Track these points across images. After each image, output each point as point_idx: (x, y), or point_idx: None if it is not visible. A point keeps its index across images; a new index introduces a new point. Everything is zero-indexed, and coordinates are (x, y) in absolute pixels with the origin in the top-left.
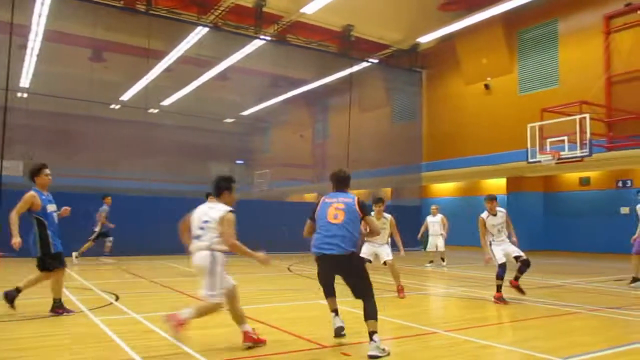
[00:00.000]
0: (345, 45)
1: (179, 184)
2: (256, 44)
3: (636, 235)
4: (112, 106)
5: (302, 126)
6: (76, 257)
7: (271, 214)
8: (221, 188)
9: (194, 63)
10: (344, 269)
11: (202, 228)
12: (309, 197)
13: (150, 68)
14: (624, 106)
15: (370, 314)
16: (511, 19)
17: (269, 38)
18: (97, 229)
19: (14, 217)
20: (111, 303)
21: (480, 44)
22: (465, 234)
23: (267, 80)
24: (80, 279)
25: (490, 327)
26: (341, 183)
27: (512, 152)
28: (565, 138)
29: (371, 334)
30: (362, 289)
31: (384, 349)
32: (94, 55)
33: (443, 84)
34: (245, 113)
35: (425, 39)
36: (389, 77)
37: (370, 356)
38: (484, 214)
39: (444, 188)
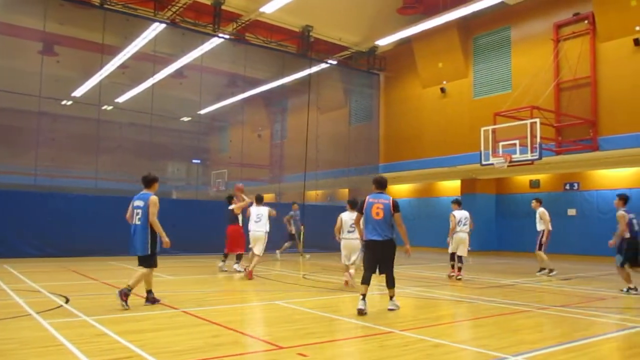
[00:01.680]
0: (304, 45)
1: (133, 183)
2: (214, 42)
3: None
4: (64, 102)
5: (260, 126)
6: None
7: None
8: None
9: (150, 60)
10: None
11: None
12: (267, 197)
13: (104, 64)
14: (571, 112)
15: (391, 284)
16: (466, 24)
17: (227, 36)
18: None
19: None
20: (61, 306)
21: (436, 48)
22: (421, 234)
23: (225, 79)
24: (29, 281)
25: (444, 326)
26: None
27: (466, 154)
28: (517, 142)
29: (391, 296)
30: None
31: (397, 305)
32: (45, 49)
33: (400, 87)
34: (203, 112)
35: (384, 41)
36: (347, 78)
37: (390, 309)
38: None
39: (401, 189)
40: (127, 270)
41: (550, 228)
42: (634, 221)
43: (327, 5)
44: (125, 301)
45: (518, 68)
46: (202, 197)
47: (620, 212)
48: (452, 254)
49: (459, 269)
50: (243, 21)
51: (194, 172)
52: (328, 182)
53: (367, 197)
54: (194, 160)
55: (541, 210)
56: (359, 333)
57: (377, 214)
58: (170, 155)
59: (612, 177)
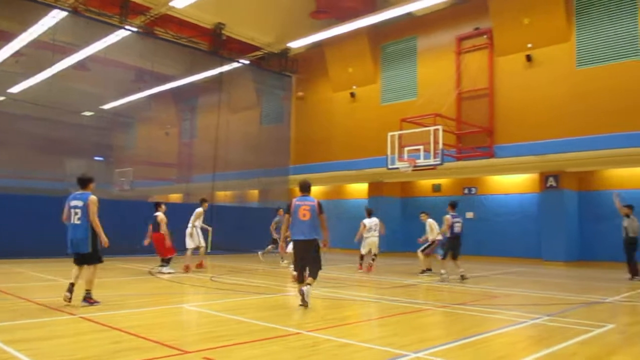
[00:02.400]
0: (216, 43)
1: (29, 180)
2: (121, 34)
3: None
4: None
5: (168, 124)
6: None
7: (133, 214)
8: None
9: (49, 49)
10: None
11: None
12: (174, 197)
13: None
14: (471, 121)
15: (313, 274)
16: (376, 32)
17: (135, 29)
18: None
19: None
20: None
21: (347, 53)
22: (330, 236)
23: (132, 74)
24: None
25: (351, 326)
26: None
27: (374, 158)
28: (421, 147)
29: (307, 284)
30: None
31: (309, 292)
32: None
33: (312, 89)
34: (107, 107)
35: (296, 44)
36: (259, 79)
37: (300, 293)
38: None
39: (311, 191)
40: (22, 275)
41: (438, 237)
42: (457, 224)
43: (240, 3)
44: (93, 303)
45: (423, 77)
46: (105, 196)
47: (447, 216)
48: (362, 256)
49: (370, 265)
50: (152, 14)
51: (96, 170)
52: (238, 183)
53: (294, 200)
54: (96, 157)
55: (430, 221)
56: (267, 335)
57: (304, 215)
58: (70, 151)
59: (506, 182)
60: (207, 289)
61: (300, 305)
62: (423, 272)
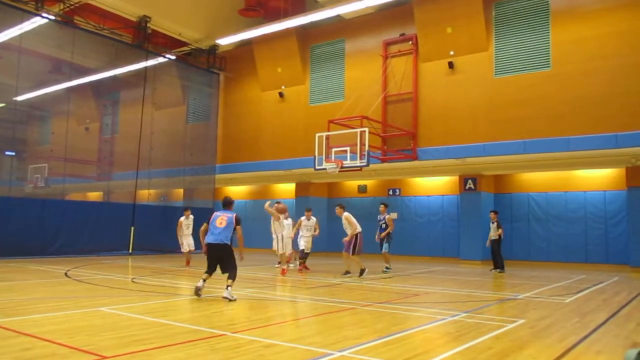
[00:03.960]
0: (140, 36)
1: None
2: (37, 21)
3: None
4: None
5: (88, 118)
6: None
7: (48, 213)
8: None
9: None
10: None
11: None
12: (93, 195)
13: None
14: (396, 123)
15: (231, 277)
16: (305, 33)
17: (52, 17)
18: None
19: None
20: None
21: (276, 53)
22: (256, 236)
23: (49, 65)
24: None
25: (275, 326)
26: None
27: (301, 158)
28: (348, 149)
29: (228, 286)
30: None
31: (232, 296)
32: None
33: (240, 88)
34: (20, 98)
35: (224, 41)
36: (186, 75)
37: (224, 297)
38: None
39: (238, 190)
40: None
41: (359, 230)
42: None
43: None
44: None
45: (351, 79)
46: (17, 194)
47: (389, 216)
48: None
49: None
50: (72, 3)
51: (7, 166)
52: (162, 182)
53: (215, 213)
54: (7, 152)
55: (345, 214)
56: (190, 337)
57: (221, 223)
58: None
59: (428, 184)
60: (128, 291)
61: (196, 295)
62: (346, 273)
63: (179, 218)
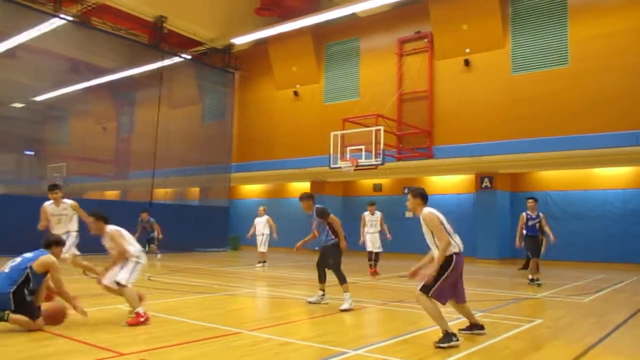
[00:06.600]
0: (156, 36)
1: None
2: (55, 22)
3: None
4: None
5: (105, 118)
6: None
7: None
8: None
9: None
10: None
11: None
12: (110, 194)
13: None
14: (411, 122)
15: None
16: (320, 32)
17: (70, 18)
18: None
19: None
20: None
21: (291, 51)
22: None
23: (67, 65)
24: None
25: (290, 325)
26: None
27: (316, 157)
28: (363, 147)
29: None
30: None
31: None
32: None
33: (255, 87)
34: (39, 98)
35: (240, 40)
36: (201, 75)
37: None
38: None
39: (253, 189)
40: None
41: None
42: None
43: None
44: None
45: (366, 77)
46: (36, 193)
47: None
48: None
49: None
50: (89, 3)
51: (26, 165)
52: (178, 180)
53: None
54: (26, 152)
55: (430, 213)
56: (206, 335)
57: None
58: None
59: (443, 182)
60: (144, 288)
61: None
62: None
63: (194, 216)
